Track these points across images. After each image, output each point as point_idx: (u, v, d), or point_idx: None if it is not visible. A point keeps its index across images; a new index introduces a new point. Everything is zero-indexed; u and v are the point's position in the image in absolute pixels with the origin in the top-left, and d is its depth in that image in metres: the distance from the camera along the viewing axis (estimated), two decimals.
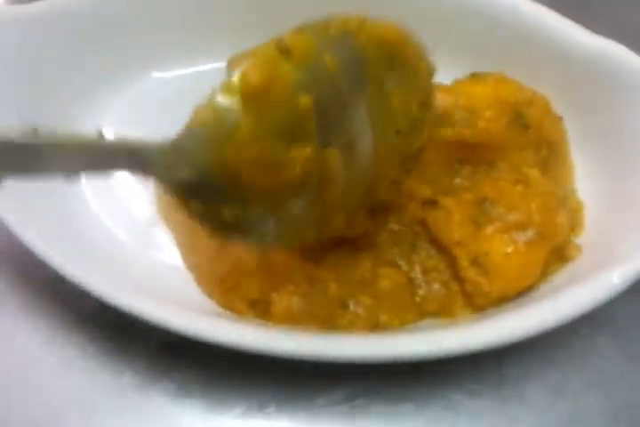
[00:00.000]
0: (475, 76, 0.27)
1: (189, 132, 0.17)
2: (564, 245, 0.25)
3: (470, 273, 0.24)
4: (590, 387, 0.24)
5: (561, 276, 0.24)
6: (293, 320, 0.24)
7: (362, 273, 0.24)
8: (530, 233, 0.24)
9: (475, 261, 0.24)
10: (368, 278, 0.24)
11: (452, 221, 0.24)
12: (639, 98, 0.25)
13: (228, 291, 0.25)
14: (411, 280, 0.24)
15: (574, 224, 0.25)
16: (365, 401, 0.24)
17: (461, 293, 0.24)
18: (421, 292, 0.24)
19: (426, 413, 0.23)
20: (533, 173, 0.25)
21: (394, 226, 0.25)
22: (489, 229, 0.24)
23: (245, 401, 0.24)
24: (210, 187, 0.17)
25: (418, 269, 0.25)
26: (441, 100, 0.26)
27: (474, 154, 0.26)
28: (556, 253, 0.24)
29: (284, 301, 0.24)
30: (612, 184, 0.26)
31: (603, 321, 0.25)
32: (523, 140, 0.26)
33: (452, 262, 0.24)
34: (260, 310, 0.24)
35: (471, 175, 0.26)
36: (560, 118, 0.27)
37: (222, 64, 0.29)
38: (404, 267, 0.25)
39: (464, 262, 0.24)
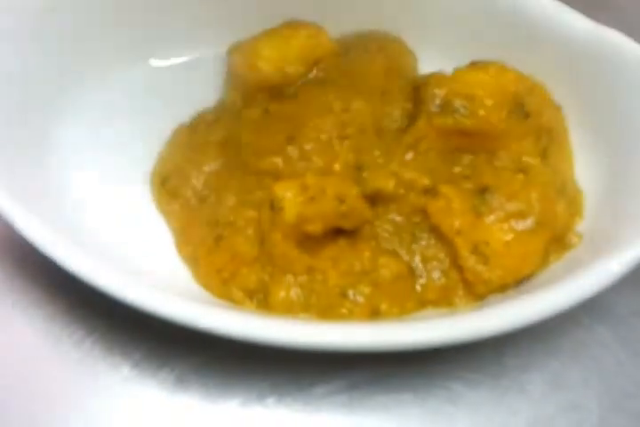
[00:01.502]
0: (475, 65, 0.27)
1: None
2: (564, 232, 0.25)
3: (470, 262, 0.24)
4: (590, 377, 0.24)
5: (561, 263, 0.24)
6: (292, 310, 0.24)
7: (362, 263, 0.24)
8: (529, 222, 0.24)
9: (475, 250, 0.24)
10: (368, 268, 0.24)
11: (452, 210, 0.24)
12: (637, 85, 0.25)
13: (226, 281, 0.24)
14: (411, 270, 0.24)
15: (574, 212, 0.25)
16: (365, 391, 0.24)
17: (462, 281, 0.24)
18: (422, 281, 0.24)
19: (425, 403, 0.23)
20: (534, 161, 0.25)
21: (394, 216, 0.25)
22: (489, 218, 0.24)
23: (244, 392, 0.24)
24: None
25: (418, 258, 0.25)
26: (441, 89, 0.26)
27: (474, 143, 0.26)
28: (557, 241, 0.24)
29: (282, 291, 0.24)
30: (611, 172, 0.26)
31: (603, 311, 0.25)
32: (523, 129, 0.25)
33: (451, 251, 0.24)
34: (258, 299, 0.24)
35: (471, 164, 0.26)
36: (559, 107, 0.27)
37: (222, 51, 0.29)
38: (405, 256, 0.25)
39: (464, 251, 0.24)
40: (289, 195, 0.24)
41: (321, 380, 0.24)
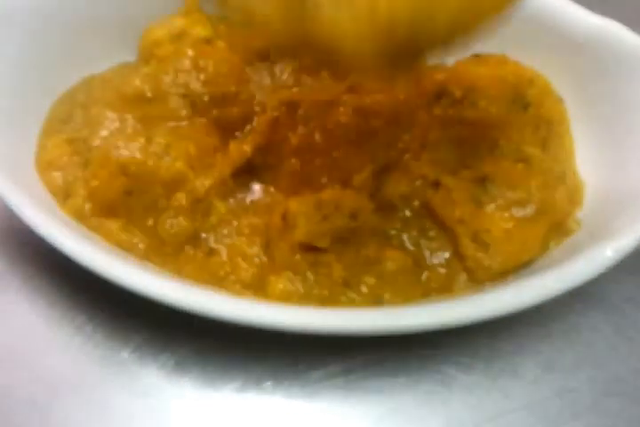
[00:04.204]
0: (476, 57, 0.27)
1: None
2: (563, 219, 0.25)
3: (471, 249, 0.24)
4: (582, 362, 0.24)
5: (561, 249, 0.24)
6: (290, 300, 0.23)
7: (367, 255, 0.24)
8: (529, 210, 0.24)
9: (475, 238, 0.24)
10: (373, 260, 0.24)
11: (453, 200, 0.24)
12: (637, 76, 0.25)
13: (221, 279, 0.24)
14: (416, 262, 0.24)
15: (574, 200, 0.26)
16: (360, 375, 0.24)
17: (463, 269, 0.24)
18: (426, 272, 0.24)
19: (420, 387, 0.24)
20: (534, 151, 0.25)
21: (403, 213, 0.25)
22: (489, 207, 0.24)
23: (243, 376, 0.24)
24: None
25: (424, 250, 0.25)
26: (442, 80, 0.26)
27: (475, 132, 0.26)
28: (556, 228, 0.25)
29: (281, 283, 0.24)
30: (611, 162, 0.26)
31: (596, 297, 0.26)
32: (522, 120, 0.26)
33: (453, 240, 0.24)
34: (255, 290, 0.24)
35: (473, 154, 0.26)
36: (561, 99, 0.27)
37: None
38: (410, 248, 0.25)
39: (465, 239, 0.24)
40: (303, 213, 0.23)
41: (318, 364, 0.24)
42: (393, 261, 0.24)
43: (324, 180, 0.25)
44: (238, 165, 0.26)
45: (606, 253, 0.22)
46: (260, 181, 0.26)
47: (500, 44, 0.27)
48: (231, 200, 0.25)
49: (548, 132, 0.26)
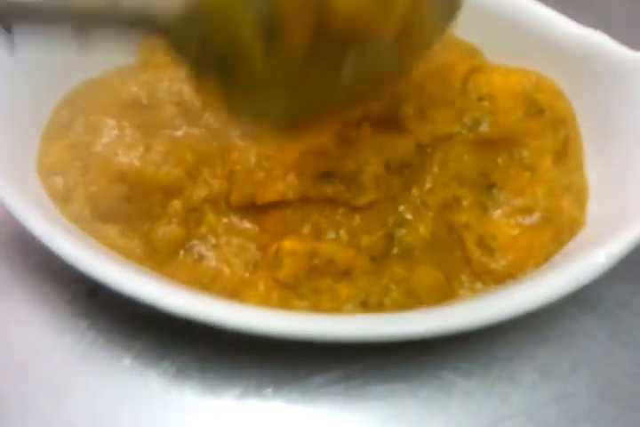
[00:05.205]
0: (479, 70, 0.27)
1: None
2: (570, 224, 0.25)
3: (476, 254, 0.24)
4: (578, 367, 0.24)
5: (562, 252, 0.25)
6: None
7: (393, 275, 0.24)
8: (535, 217, 0.25)
9: (481, 243, 0.24)
10: (402, 277, 0.24)
11: (461, 206, 0.25)
12: (621, 84, 0.26)
13: (205, 286, 0.24)
14: (448, 278, 0.24)
15: (580, 204, 0.26)
16: (360, 381, 0.24)
17: (472, 274, 0.24)
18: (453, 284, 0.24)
19: (418, 392, 0.24)
20: (544, 160, 0.25)
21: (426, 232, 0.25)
22: (495, 213, 0.25)
23: (243, 383, 0.24)
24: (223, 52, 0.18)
25: (447, 262, 0.25)
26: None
27: (498, 145, 0.26)
28: (562, 233, 0.25)
29: (258, 299, 0.24)
30: (602, 168, 0.26)
31: (591, 302, 0.26)
32: (541, 125, 0.26)
33: (461, 245, 0.25)
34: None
35: (492, 163, 0.26)
36: (568, 99, 0.27)
37: None
38: (439, 264, 0.24)
39: (470, 244, 0.24)
40: (293, 255, 0.23)
41: (318, 371, 0.24)
42: (425, 276, 0.24)
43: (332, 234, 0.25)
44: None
45: (599, 259, 0.22)
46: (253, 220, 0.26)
47: (491, 55, 0.28)
48: (225, 219, 0.26)
49: (567, 131, 0.26)
